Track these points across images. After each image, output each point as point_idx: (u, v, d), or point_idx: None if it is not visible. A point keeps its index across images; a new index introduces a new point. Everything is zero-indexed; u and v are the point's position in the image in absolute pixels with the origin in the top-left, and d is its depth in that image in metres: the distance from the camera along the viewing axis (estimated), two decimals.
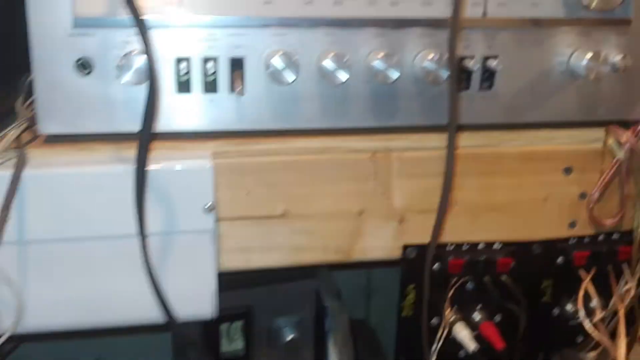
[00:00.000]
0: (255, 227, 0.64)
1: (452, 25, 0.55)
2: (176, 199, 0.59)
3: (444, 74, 0.62)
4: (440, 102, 0.65)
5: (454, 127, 0.59)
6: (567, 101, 0.67)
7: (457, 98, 0.55)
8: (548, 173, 0.69)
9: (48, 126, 0.60)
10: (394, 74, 0.61)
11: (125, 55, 0.57)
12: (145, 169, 0.54)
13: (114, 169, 0.57)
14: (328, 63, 0.60)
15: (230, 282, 0.65)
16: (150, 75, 0.51)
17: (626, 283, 0.72)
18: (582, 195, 0.70)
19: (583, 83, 0.66)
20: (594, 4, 0.62)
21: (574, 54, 0.65)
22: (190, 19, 0.59)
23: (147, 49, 0.52)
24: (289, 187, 0.64)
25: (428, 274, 0.65)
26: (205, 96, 0.61)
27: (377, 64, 0.61)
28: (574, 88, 0.67)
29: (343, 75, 0.60)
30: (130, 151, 0.56)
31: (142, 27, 0.50)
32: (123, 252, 0.58)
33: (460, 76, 0.65)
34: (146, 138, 0.53)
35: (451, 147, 0.59)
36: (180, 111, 0.62)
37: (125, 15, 0.57)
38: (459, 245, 0.69)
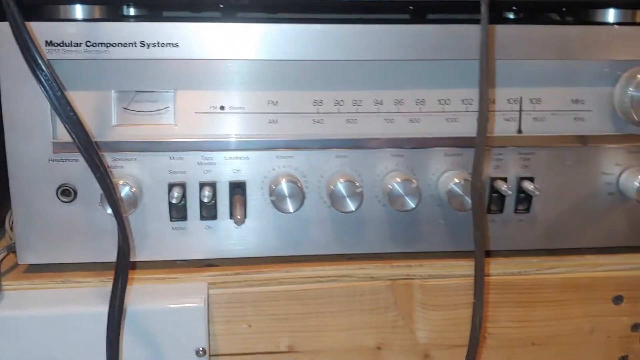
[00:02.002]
0: None
1: (478, 144, 0.47)
2: (162, 342, 0.53)
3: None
4: (469, 226, 0.57)
5: (482, 251, 0.51)
6: (616, 225, 0.59)
7: (484, 222, 0.47)
8: (595, 302, 0.60)
9: (27, 257, 0.54)
10: (413, 202, 0.53)
11: None
12: (121, 311, 0.48)
13: (91, 310, 0.51)
14: (339, 189, 0.53)
15: None
16: (118, 221, 0.44)
17: None
18: (635, 327, 0.61)
19: (634, 205, 0.58)
20: None
21: (623, 173, 0.57)
22: (184, 140, 0.53)
23: (111, 199, 0.45)
24: (294, 320, 0.57)
25: None
26: (201, 223, 0.55)
27: (395, 189, 0.53)
28: (623, 211, 0.58)
29: (352, 205, 0.53)
30: None
31: (103, 183, 0.43)
32: None
33: (493, 199, 0.57)
34: (123, 283, 0.46)
35: (480, 272, 0.50)
36: (175, 239, 0.55)
37: (112, 138, 0.52)
38: None
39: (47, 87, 0.41)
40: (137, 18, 0.63)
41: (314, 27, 0.51)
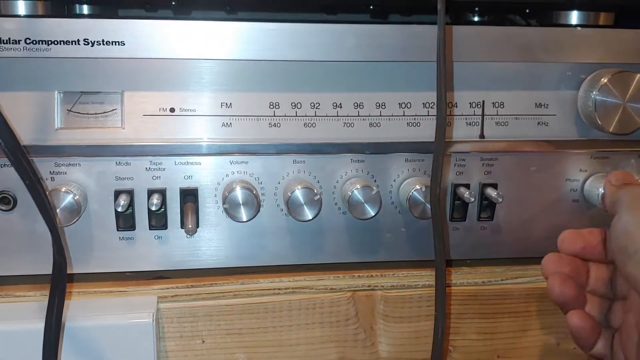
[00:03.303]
0: None
1: (436, 148, 0.45)
2: None
3: None
4: (430, 234, 0.55)
5: (442, 261, 0.48)
6: None
7: (442, 229, 0.45)
8: (561, 313, 0.58)
9: None
10: (373, 209, 0.51)
11: (53, 191, 0.48)
12: (58, 329, 0.44)
13: (32, 327, 0.47)
14: (296, 196, 0.50)
15: None
16: (52, 232, 0.41)
17: None
18: None
19: (599, 212, 0.56)
20: (611, 127, 0.52)
21: (588, 180, 0.56)
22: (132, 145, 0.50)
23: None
24: (251, 335, 0.54)
25: None
26: (151, 233, 0.52)
27: (355, 196, 0.51)
28: (588, 218, 0.57)
29: (310, 213, 0.50)
30: None
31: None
32: None
33: (456, 206, 0.55)
34: (60, 299, 0.43)
35: (441, 283, 0.48)
36: (123, 249, 0.52)
37: (55, 142, 0.49)
38: None
39: None
40: (90, 17, 0.60)
41: (269, 26, 0.49)
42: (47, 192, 0.41)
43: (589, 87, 0.52)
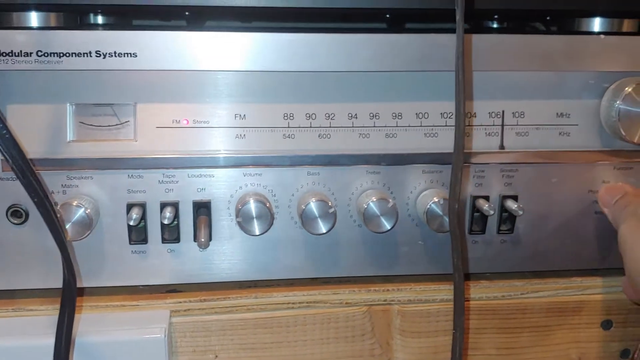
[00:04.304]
0: None
1: (455, 160, 0.44)
2: None
3: None
4: (450, 247, 0.54)
5: (461, 279, 0.47)
6: (604, 246, 0.56)
7: (463, 245, 0.44)
8: (583, 328, 0.57)
9: None
10: (389, 223, 0.50)
11: (64, 204, 0.48)
12: (68, 345, 0.43)
13: (44, 342, 0.46)
14: (310, 209, 0.49)
15: None
16: (61, 249, 0.40)
17: None
18: (625, 353, 0.58)
19: None
20: (636, 138, 0.50)
21: None
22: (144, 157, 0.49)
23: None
24: (264, 349, 0.54)
25: None
26: (163, 246, 0.51)
27: (370, 208, 0.50)
28: (612, 231, 0.55)
29: (324, 226, 0.49)
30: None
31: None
32: None
33: (475, 219, 0.54)
34: (70, 316, 0.42)
35: (460, 297, 0.47)
36: (135, 263, 0.51)
37: (67, 155, 0.48)
38: None
39: None
40: (104, 27, 0.60)
41: (284, 36, 0.48)
42: (56, 209, 0.40)
43: (613, 97, 0.51)
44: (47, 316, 0.50)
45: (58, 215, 0.38)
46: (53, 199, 0.49)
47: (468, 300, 0.55)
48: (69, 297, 0.40)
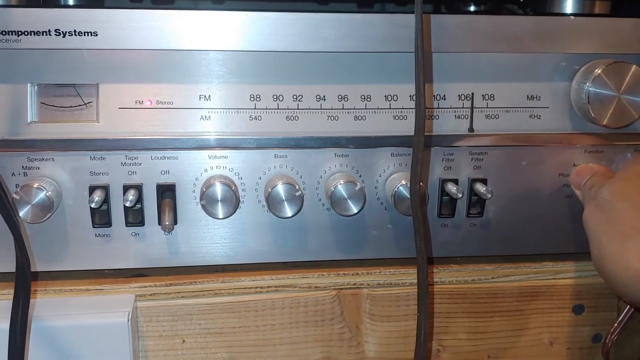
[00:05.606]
0: None
1: (416, 140, 0.43)
2: None
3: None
4: None
5: (423, 257, 0.46)
6: (575, 230, 0.55)
7: (423, 224, 0.43)
8: (554, 312, 0.57)
9: None
10: (356, 206, 0.49)
11: (24, 186, 0.47)
12: (24, 331, 0.43)
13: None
14: (277, 192, 0.49)
15: None
16: (13, 232, 0.39)
17: None
18: (596, 338, 0.58)
19: None
20: (605, 120, 0.50)
21: None
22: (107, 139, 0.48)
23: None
24: (232, 334, 0.53)
25: None
26: (127, 229, 0.50)
27: (338, 191, 0.49)
28: (582, 213, 0.54)
29: (291, 209, 0.49)
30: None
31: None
32: None
33: (444, 202, 0.53)
34: (25, 301, 0.41)
35: (423, 279, 0.46)
36: (99, 246, 0.51)
37: (28, 136, 0.47)
38: None
39: None
40: (66, 7, 0.58)
41: (248, 15, 0.47)
42: (6, 190, 0.39)
43: (583, 79, 0.50)
44: (5, 300, 0.49)
45: (10, 197, 0.37)
46: (14, 181, 0.48)
47: (438, 284, 0.55)
48: (23, 280, 0.40)
